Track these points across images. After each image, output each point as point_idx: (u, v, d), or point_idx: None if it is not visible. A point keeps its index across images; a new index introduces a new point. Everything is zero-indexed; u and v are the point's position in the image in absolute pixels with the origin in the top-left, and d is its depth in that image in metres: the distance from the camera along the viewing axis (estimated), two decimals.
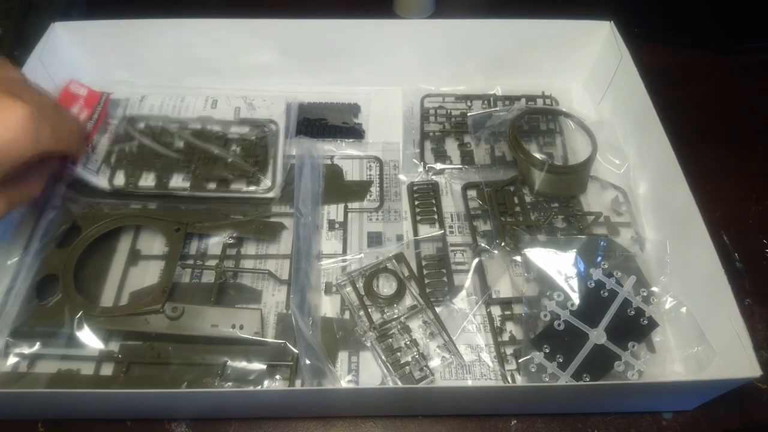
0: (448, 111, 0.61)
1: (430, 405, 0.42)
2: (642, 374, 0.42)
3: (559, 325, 0.43)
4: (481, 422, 0.42)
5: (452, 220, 0.53)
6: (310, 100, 0.60)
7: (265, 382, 0.42)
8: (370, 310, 0.45)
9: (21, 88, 0.42)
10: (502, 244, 0.49)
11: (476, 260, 0.49)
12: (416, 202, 0.53)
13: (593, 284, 0.44)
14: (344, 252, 0.50)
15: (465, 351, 0.44)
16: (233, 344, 0.43)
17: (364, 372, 0.43)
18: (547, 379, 0.41)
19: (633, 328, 0.43)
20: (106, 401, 0.39)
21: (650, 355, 0.44)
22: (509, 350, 0.45)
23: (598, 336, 0.42)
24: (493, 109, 0.60)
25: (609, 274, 0.44)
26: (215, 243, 0.50)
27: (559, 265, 0.45)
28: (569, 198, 0.53)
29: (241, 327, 0.44)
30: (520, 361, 0.43)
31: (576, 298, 0.43)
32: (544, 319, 0.43)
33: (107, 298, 0.47)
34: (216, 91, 0.59)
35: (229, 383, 0.42)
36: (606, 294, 0.43)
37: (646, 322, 0.43)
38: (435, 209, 0.53)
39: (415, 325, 0.45)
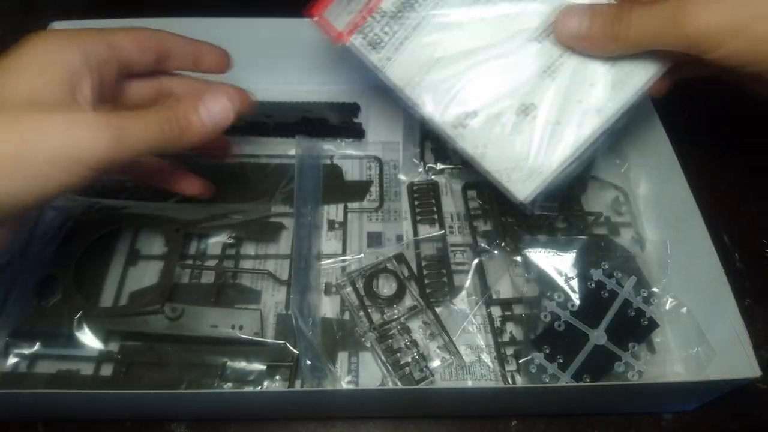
0: None
1: (430, 406, 0.42)
2: (642, 375, 0.42)
3: (559, 325, 0.42)
4: (482, 423, 0.42)
5: (452, 220, 0.53)
6: (310, 99, 0.60)
7: (265, 383, 0.42)
8: (369, 310, 0.45)
9: None
10: (502, 244, 0.49)
11: (476, 260, 0.48)
12: (416, 202, 0.53)
13: (593, 285, 0.44)
14: (344, 252, 0.50)
15: (465, 352, 0.44)
16: (233, 345, 0.43)
17: (364, 373, 0.43)
18: (548, 380, 0.41)
19: (633, 328, 0.43)
20: (105, 402, 0.39)
21: (650, 355, 0.44)
22: (509, 351, 0.45)
23: (598, 337, 0.42)
24: None
25: (609, 275, 0.44)
26: (215, 243, 0.50)
27: (559, 265, 0.45)
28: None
29: (241, 327, 0.44)
30: (520, 361, 0.43)
31: (576, 299, 0.43)
32: (545, 320, 0.43)
33: (107, 299, 0.47)
34: None
35: (229, 384, 0.42)
36: (606, 294, 0.43)
37: (646, 322, 0.43)
38: (435, 209, 0.53)
39: (415, 326, 0.45)
